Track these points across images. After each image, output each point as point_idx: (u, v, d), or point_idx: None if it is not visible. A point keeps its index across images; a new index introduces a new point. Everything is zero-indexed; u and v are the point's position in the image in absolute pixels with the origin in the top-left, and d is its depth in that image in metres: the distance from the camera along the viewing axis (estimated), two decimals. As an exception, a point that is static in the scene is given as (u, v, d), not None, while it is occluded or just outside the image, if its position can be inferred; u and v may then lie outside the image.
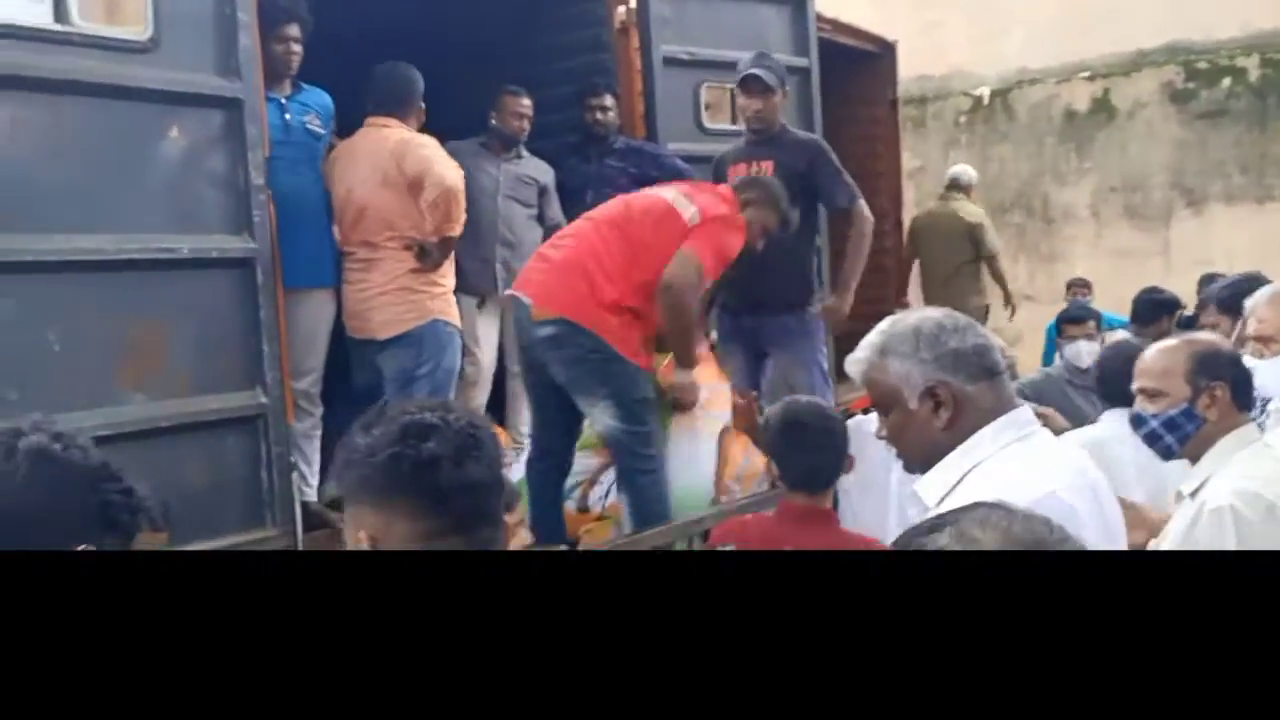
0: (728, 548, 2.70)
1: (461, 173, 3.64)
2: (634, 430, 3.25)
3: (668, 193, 3.48)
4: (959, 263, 6.89)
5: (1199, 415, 2.03)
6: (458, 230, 3.64)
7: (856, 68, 6.67)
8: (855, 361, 1.70)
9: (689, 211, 3.35)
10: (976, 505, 1.09)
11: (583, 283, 3.24)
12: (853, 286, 4.19)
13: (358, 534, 1.19)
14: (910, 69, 8.89)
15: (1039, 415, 4.27)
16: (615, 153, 4.66)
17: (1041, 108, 9.05)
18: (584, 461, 3.57)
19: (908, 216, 7.27)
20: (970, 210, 7.12)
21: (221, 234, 3.08)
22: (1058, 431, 4.01)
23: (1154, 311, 4.71)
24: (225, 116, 3.07)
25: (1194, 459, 2.07)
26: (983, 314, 6.76)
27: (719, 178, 4.24)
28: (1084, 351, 4.31)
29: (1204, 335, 2.26)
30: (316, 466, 3.71)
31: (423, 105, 3.77)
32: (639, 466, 3.28)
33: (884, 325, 1.69)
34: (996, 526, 1.01)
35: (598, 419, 3.30)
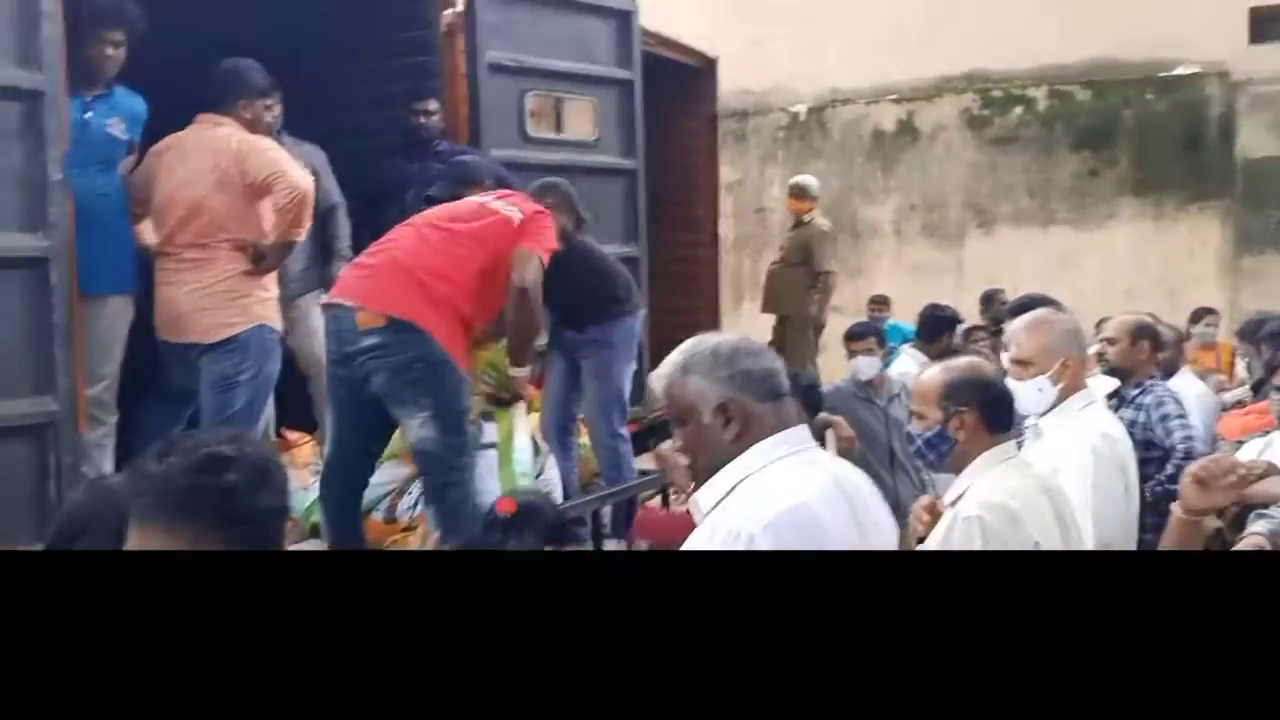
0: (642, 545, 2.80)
1: (312, 178, 3.60)
2: (451, 441, 3.23)
3: (483, 196, 3.52)
4: None
5: (950, 436, 2.26)
6: (302, 235, 3.61)
7: (678, 82, 6.86)
8: (659, 377, 1.87)
9: (510, 210, 3.39)
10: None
11: (410, 281, 3.20)
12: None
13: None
14: (733, 83, 9.20)
15: (829, 423, 4.57)
16: (437, 155, 4.68)
17: (852, 127, 9.56)
18: (392, 471, 3.55)
19: (724, 228, 7.54)
20: None
21: (14, 231, 2.95)
22: (846, 438, 4.36)
23: (935, 327, 5.12)
24: (24, 108, 2.95)
25: (958, 471, 2.30)
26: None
27: None
28: (864, 366, 4.65)
29: (961, 361, 2.48)
30: (112, 475, 3.58)
31: (266, 103, 3.69)
32: (450, 479, 3.24)
33: (687, 345, 1.87)
34: None
35: (415, 432, 3.22)
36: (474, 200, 3.47)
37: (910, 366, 5.06)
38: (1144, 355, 3.68)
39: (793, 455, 1.77)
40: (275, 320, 3.62)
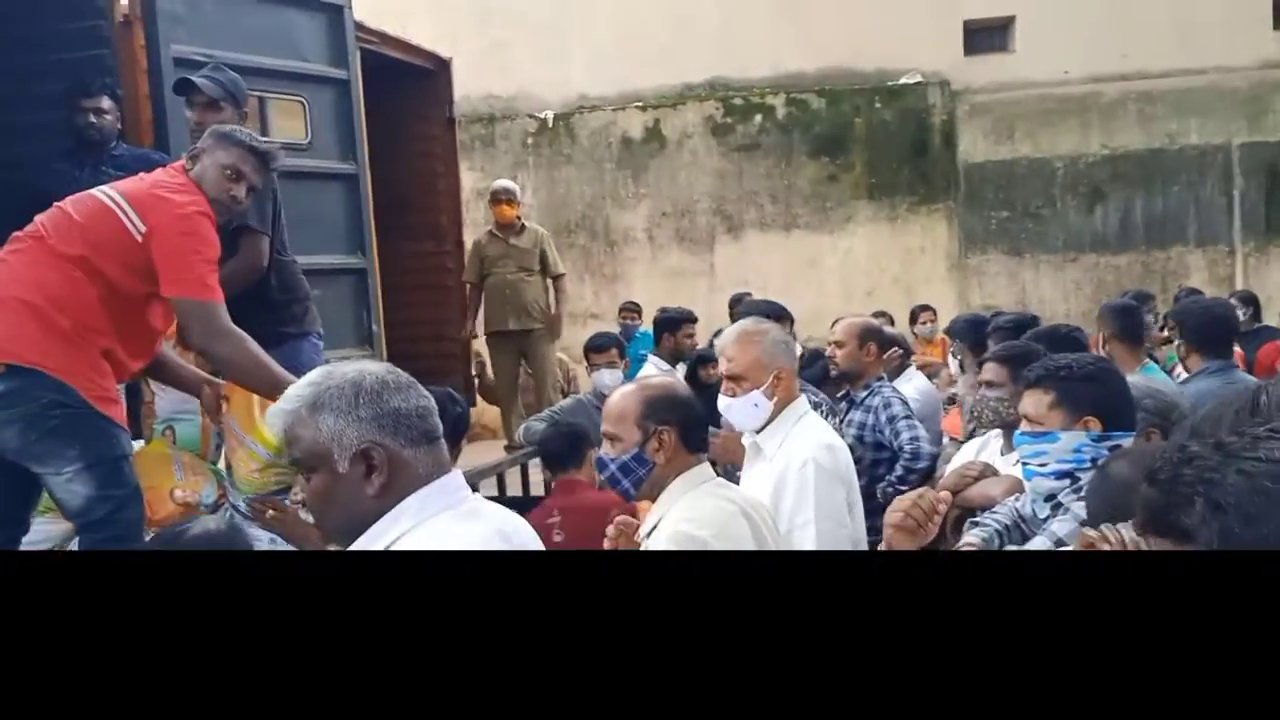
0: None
1: None
2: (111, 494, 2.70)
3: (105, 194, 2.84)
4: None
5: (649, 459, 2.04)
6: None
7: (410, 83, 6.50)
8: (280, 413, 1.52)
9: (131, 219, 2.77)
10: None
11: (28, 315, 2.65)
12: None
13: None
14: (478, 87, 8.89)
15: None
16: (114, 160, 4.11)
17: (600, 134, 9.44)
18: (45, 529, 3.00)
19: (469, 235, 7.21)
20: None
21: None
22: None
23: (662, 329, 5.07)
24: None
25: (653, 500, 2.09)
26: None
27: None
28: (606, 379, 4.46)
29: (657, 379, 2.31)
30: None
31: None
32: (116, 535, 2.70)
33: (316, 376, 1.53)
34: None
35: (64, 489, 2.69)
36: (98, 199, 2.81)
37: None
38: (871, 357, 3.66)
39: (451, 508, 1.51)
40: None
